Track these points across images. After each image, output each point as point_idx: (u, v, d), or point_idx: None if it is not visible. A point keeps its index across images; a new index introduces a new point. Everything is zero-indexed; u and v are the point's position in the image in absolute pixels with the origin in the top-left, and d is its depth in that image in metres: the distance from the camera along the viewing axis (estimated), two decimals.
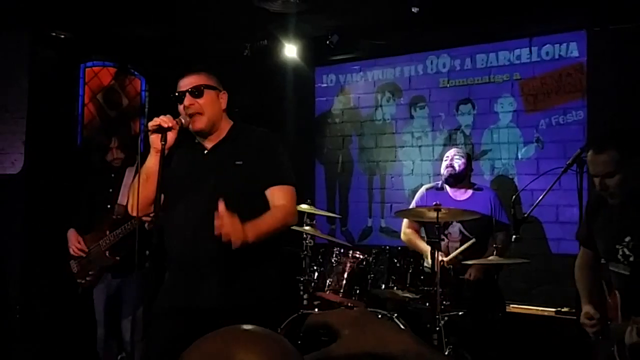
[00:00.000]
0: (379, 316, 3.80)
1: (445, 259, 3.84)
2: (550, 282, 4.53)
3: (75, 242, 3.89)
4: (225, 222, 2.16)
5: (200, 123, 2.45)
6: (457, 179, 4.10)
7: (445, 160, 4.16)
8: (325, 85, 5.96)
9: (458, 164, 4.09)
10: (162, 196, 2.50)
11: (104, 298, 3.97)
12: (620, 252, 2.45)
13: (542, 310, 4.45)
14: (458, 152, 4.16)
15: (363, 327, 0.86)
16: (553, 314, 4.36)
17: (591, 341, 2.63)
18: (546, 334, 4.22)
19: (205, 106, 2.46)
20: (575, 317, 3.19)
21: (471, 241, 3.87)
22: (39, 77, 4.81)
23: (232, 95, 2.61)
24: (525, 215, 3.42)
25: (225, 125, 2.55)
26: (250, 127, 2.60)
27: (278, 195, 2.42)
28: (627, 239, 2.43)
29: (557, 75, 4.79)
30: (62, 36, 4.92)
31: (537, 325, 4.34)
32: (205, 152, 2.51)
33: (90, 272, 3.91)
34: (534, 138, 4.89)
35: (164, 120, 2.36)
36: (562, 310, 4.30)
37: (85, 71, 5.40)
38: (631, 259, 2.42)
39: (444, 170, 4.15)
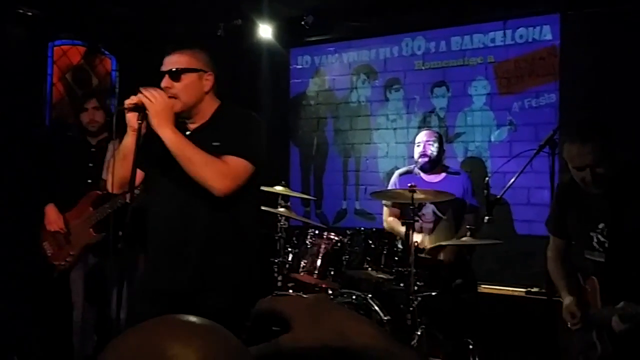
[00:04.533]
0: (353, 297, 3.83)
1: (427, 245, 3.88)
2: (521, 263, 4.60)
3: (55, 218, 3.77)
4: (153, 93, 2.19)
5: (175, 107, 2.39)
6: (432, 165, 4.14)
7: (418, 146, 4.17)
8: (300, 66, 5.92)
9: (431, 150, 4.12)
10: (143, 176, 2.47)
11: (82, 279, 3.86)
12: (595, 239, 2.48)
13: (512, 290, 4.52)
14: (430, 137, 4.16)
15: (318, 317, 0.75)
16: (523, 294, 4.43)
17: (566, 327, 2.66)
18: (517, 313, 4.29)
19: (181, 91, 2.39)
20: (545, 297, 3.25)
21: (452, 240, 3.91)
22: (6, 56, 4.68)
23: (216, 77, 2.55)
24: (498, 197, 3.45)
25: (210, 107, 2.48)
26: (236, 108, 2.53)
27: (225, 159, 2.34)
28: (601, 225, 2.46)
29: (530, 59, 4.82)
30: (30, 14, 4.79)
31: (507, 305, 4.41)
32: (188, 133, 2.47)
33: (71, 253, 3.79)
34: (507, 121, 4.93)
35: (154, 99, 2.28)
36: (532, 290, 4.37)
37: (53, 50, 5.28)
38: (606, 245, 2.45)
39: (418, 158, 4.17)
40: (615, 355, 2.42)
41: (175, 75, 2.40)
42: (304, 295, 0.83)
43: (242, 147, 2.37)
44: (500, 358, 3.90)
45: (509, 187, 3.36)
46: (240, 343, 0.68)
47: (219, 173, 2.29)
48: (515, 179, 3.33)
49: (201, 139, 2.41)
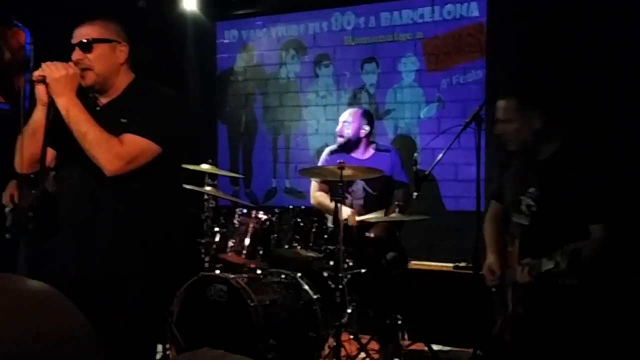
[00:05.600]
0: (282, 276, 3.77)
1: (355, 219, 3.85)
2: (449, 238, 4.65)
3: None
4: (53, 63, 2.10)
5: (88, 79, 2.26)
6: (352, 145, 4.11)
7: (338, 126, 4.17)
8: (227, 41, 5.74)
9: (347, 131, 4.11)
10: (55, 154, 2.33)
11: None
12: (524, 203, 2.54)
13: (441, 265, 4.57)
14: (348, 119, 4.14)
15: None
16: (451, 269, 4.49)
17: (490, 293, 2.73)
18: (445, 288, 4.35)
19: (94, 62, 2.26)
20: (472, 272, 3.29)
21: (380, 212, 3.89)
22: None
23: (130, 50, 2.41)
24: (426, 173, 3.45)
25: (123, 81, 2.34)
26: (150, 84, 2.39)
27: (123, 137, 2.21)
28: (532, 189, 2.53)
29: (458, 35, 4.84)
30: None
31: (436, 280, 4.46)
32: (98, 108, 2.32)
33: None
34: (435, 97, 4.95)
35: (52, 68, 2.14)
36: (460, 265, 4.43)
37: None
38: (533, 209, 2.51)
39: (337, 137, 4.16)
40: (523, 315, 2.48)
41: (86, 46, 2.26)
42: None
43: (146, 125, 2.23)
44: (429, 332, 3.93)
45: (436, 163, 3.36)
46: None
47: (111, 152, 2.17)
48: (443, 155, 3.34)
49: (110, 114, 2.27)
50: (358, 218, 3.88)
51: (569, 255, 2.16)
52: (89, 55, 2.26)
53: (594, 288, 2.43)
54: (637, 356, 2.66)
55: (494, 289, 2.70)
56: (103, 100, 2.35)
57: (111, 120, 2.23)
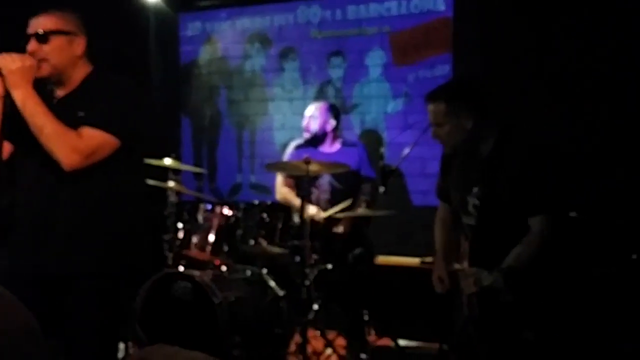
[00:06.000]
0: (247, 273, 3.71)
1: (322, 215, 3.81)
2: (416, 234, 4.64)
3: None
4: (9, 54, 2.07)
5: (44, 71, 2.20)
6: (318, 140, 4.08)
7: (304, 121, 4.12)
8: (190, 33, 5.63)
9: (313, 126, 4.08)
10: (12, 149, 2.26)
11: None
12: (471, 203, 2.54)
13: (408, 260, 4.56)
14: (314, 113, 4.10)
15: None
16: (418, 264, 4.48)
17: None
18: (411, 283, 4.34)
19: (50, 53, 2.20)
20: None
21: (347, 201, 3.86)
22: None
23: (88, 42, 2.33)
24: (393, 168, 3.44)
25: (81, 74, 2.28)
26: (108, 75, 2.33)
27: (81, 131, 2.15)
28: (475, 189, 2.52)
29: (424, 30, 4.83)
30: None
31: (403, 275, 4.45)
32: (55, 101, 2.25)
33: None
34: (402, 92, 4.93)
35: (8, 60, 2.09)
36: (427, 260, 4.42)
37: None
38: (479, 208, 2.51)
39: (303, 133, 4.11)
40: (479, 319, 2.49)
41: (43, 37, 2.21)
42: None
43: (105, 118, 2.17)
44: (395, 327, 3.93)
45: (403, 158, 3.35)
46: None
47: (68, 146, 2.11)
48: (410, 150, 3.33)
49: (67, 107, 2.20)
50: (324, 215, 3.84)
51: (504, 274, 2.21)
52: (45, 47, 2.21)
53: (545, 287, 2.45)
54: (598, 343, 2.72)
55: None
56: (60, 93, 2.28)
57: (68, 113, 2.17)
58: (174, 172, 3.98)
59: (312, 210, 3.75)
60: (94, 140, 2.15)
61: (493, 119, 2.53)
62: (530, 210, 2.40)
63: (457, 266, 2.69)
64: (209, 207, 3.77)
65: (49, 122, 2.09)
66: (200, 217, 3.72)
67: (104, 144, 2.17)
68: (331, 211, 3.86)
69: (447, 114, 2.47)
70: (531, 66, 4.28)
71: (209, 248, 3.67)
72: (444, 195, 2.77)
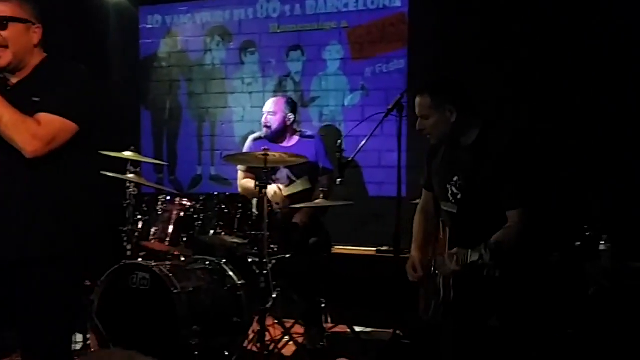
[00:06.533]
0: (206, 263, 3.76)
1: (282, 193, 3.87)
2: (372, 223, 4.77)
3: None
4: None
5: (4, 60, 2.19)
6: (278, 136, 4.14)
7: (263, 115, 4.18)
8: (150, 26, 5.63)
9: (272, 122, 4.14)
10: None
11: None
12: (450, 192, 2.64)
13: (364, 250, 4.68)
14: (272, 109, 4.16)
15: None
16: (374, 253, 4.60)
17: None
18: (368, 271, 4.46)
19: (9, 40, 2.18)
20: (393, 255, 3.40)
21: (306, 186, 3.94)
22: None
23: (48, 34, 2.35)
24: (349, 159, 3.53)
25: (35, 61, 2.29)
26: (61, 61, 2.33)
27: (39, 117, 2.16)
28: (455, 178, 2.62)
29: (381, 25, 4.94)
30: None
31: (359, 264, 4.57)
32: (8, 88, 2.25)
33: None
34: (359, 86, 5.04)
35: None
36: (382, 249, 4.55)
37: None
38: (459, 197, 2.61)
39: (262, 128, 4.18)
40: (454, 302, 2.58)
41: (2, 24, 2.20)
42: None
43: (60, 103, 2.18)
44: (352, 315, 4.03)
45: (359, 149, 3.44)
46: None
47: (29, 133, 2.11)
48: (366, 142, 3.42)
49: (21, 94, 2.20)
50: (285, 192, 3.91)
51: (491, 249, 2.27)
52: (3, 33, 2.20)
53: (515, 275, 2.53)
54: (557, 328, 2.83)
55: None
56: (13, 80, 2.28)
57: (23, 99, 2.16)
58: (134, 165, 3.99)
59: (272, 188, 3.80)
60: (53, 125, 2.15)
61: (477, 112, 2.64)
62: (509, 203, 2.50)
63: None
64: (168, 198, 3.80)
65: (7, 111, 2.09)
66: (159, 209, 3.74)
67: (63, 129, 2.17)
68: (291, 189, 3.93)
69: (432, 107, 2.58)
70: (485, 61, 4.41)
71: (167, 239, 3.70)
72: (429, 184, 2.87)
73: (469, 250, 2.39)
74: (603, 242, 3.70)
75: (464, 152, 2.63)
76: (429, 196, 2.91)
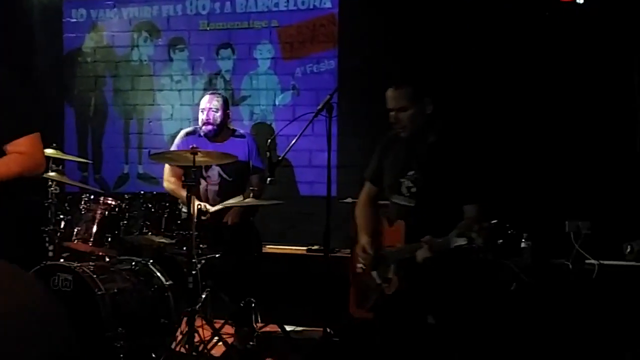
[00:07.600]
0: (132, 264, 3.67)
1: (210, 209, 3.82)
2: (302, 222, 4.78)
3: None
4: None
5: None
6: (217, 132, 4.07)
7: (202, 112, 4.07)
8: (74, 20, 5.46)
9: (215, 117, 4.04)
10: None
11: None
12: (404, 185, 2.69)
13: (294, 249, 4.69)
14: (214, 104, 4.06)
15: None
16: (304, 252, 4.62)
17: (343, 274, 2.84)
18: (298, 270, 4.47)
19: None
20: (323, 254, 3.41)
21: (238, 198, 3.87)
22: None
23: None
24: (280, 158, 3.52)
25: None
26: None
27: (21, 143, 2.19)
28: (411, 172, 2.67)
29: (311, 25, 4.97)
30: None
31: (290, 263, 4.57)
32: None
33: None
34: (290, 85, 5.05)
35: None
36: (312, 248, 4.57)
37: None
38: (413, 190, 2.66)
39: (202, 125, 4.08)
40: (410, 288, 2.63)
41: None
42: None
43: (21, 124, 2.14)
44: (282, 314, 4.03)
45: (289, 149, 3.43)
46: None
47: (28, 160, 2.22)
48: (296, 141, 3.41)
49: None
50: (212, 209, 3.86)
51: (488, 231, 2.28)
52: None
53: (450, 272, 2.60)
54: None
55: (362, 269, 2.80)
56: None
57: None
58: (56, 163, 3.86)
59: (198, 205, 3.74)
60: (34, 141, 2.18)
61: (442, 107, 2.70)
62: (467, 198, 2.56)
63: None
64: (92, 197, 3.68)
65: (7, 165, 2.07)
66: (82, 208, 3.62)
67: (39, 141, 2.24)
68: (219, 206, 3.88)
69: (412, 98, 2.62)
70: (415, 61, 4.47)
71: (91, 239, 3.59)
72: (375, 176, 2.89)
73: (452, 236, 2.40)
74: (524, 240, 3.86)
75: (425, 146, 2.67)
76: (372, 189, 2.95)
